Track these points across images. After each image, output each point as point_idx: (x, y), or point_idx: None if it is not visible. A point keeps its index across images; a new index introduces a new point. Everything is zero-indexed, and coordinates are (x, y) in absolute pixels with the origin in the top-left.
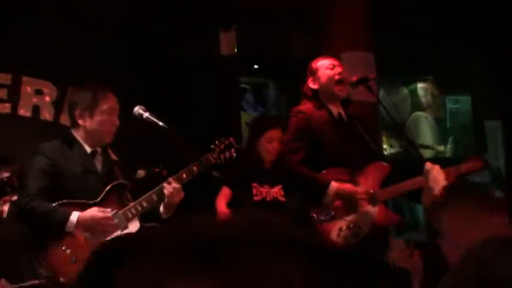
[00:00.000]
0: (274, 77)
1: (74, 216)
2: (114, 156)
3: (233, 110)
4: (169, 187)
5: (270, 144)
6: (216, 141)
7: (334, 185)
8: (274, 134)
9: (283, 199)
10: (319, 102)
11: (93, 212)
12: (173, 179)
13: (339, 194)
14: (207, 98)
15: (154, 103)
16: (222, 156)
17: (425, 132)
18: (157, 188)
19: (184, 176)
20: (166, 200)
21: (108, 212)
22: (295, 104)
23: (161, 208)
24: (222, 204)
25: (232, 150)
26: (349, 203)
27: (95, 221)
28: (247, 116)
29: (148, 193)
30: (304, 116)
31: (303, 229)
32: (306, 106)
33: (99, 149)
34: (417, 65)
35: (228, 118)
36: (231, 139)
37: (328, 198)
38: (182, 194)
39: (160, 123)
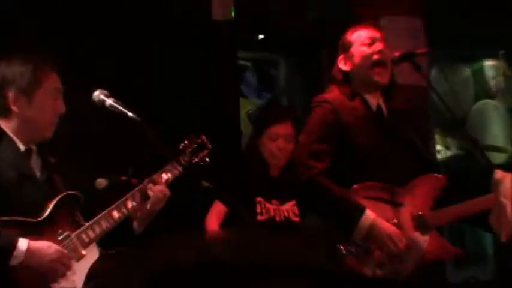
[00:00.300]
0: (285, 51)
1: (23, 243)
2: (51, 158)
3: (229, 96)
4: (157, 188)
5: (274, 142)
6: (185, 141)
7: (369, 215)
8: (280, 129)
9: (297, 219)
10: (352, 89)
11: (48, 248)
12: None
13: (372, 231)
14: (194, 79)
15: (123, 86)
16: (193, 160)
17: (495, 128)
18: (122, 199)
19: (165, 176)
20: (148, 205)
21: (65, 250)
22: (314, 88)
23: (135, 221)
24: (213, 223)
25: (205, 152)
26: (384, 244)
27: (49, 259)
28: (249, 105)
29: (110, 207)
30: (330, 107)
31: (323, 263)
32: (333, 94)
33: (34, 147)
34: (483, 35)
35: (222, 107)
36: (203, 137)
37: (360, 232)
38: (165, 201)
39: (130, 114)
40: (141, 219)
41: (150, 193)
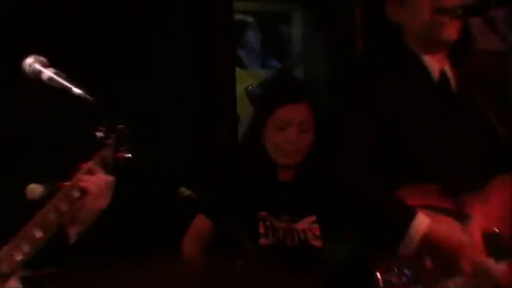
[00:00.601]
0: (301, 0)
1: None
2: None
3: (221, 65)
4: (93, 178)
5: (283, 132)
6: (100, 129)
7: (423, 220)
8: (292, 113)
9: (318, 243)
10: (405, 50)
11: None
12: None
13: (429, 241)
14: (170, 40)
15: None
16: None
17: None
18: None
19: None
20: (88, 202)
21: None
22: (342, 52)
23: (70, 226)
24: (191, 246)
25: (123, 147)
26: (447, 259)
27: None
28: (249, 78)
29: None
30: (370, 78)
31: None
32: (375, 59)
33: None
34: None
35: (210, 81)
36: (120, 127)
37: (410, 244)
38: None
39: (78, 91)
40: (78, 223)
41: (84, 184)
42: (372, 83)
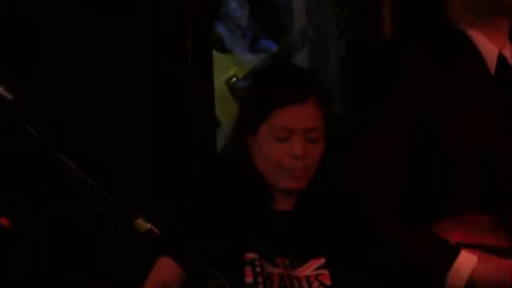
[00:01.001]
0: None
1: None
2: None
3: (193, 46)
4: None
5: (283, 144)
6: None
7: (467, 260)
8: (293, 117)
9: None
10: (450, 28)
11: None
12: None
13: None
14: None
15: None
16: None
17: None
18: None
19: None
20: None
21: None
22: (362, 27)
23: None
24: None
25: None
26: None
27: None
28: (232, 66)
29: None
30: (401, 68)
31: None
32: (409, 39)
33: None
34: None
35: (179, 70)
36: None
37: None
38: None
39: None
40: None
41: None
42: (404, 74)
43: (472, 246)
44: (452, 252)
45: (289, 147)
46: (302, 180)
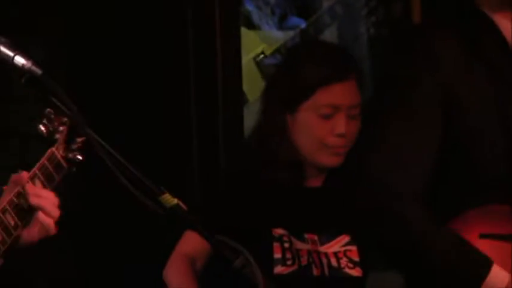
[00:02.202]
0: None
1: None
2: None
3: (221, 23)
4: (45, 194)
5: (327, 122)
6: (44, 120)
7: (498, 274)
8: (338, 95)
9: (356, 271)
10: (476, 11)
11: None
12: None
13: None
14: None
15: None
16: (70, 155)
17: None
18: None
19: (40, 175)
20: (34, 229)
21: None
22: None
23: None
24: (175, 274)
25: (78, 142)
26: None
27: None
28: (259, 42)
29: None
30: (428, 52)
31: None
32: (434, 24)
33: None
34: None
35: (206, 46)
36: (65, 118)
37: None
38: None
39: (21, 60)
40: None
41: (31, 199)
42: (432, 62)
43: (497, 237)
44: (485, 265)
45: (333, 124)
46: (342, 157)
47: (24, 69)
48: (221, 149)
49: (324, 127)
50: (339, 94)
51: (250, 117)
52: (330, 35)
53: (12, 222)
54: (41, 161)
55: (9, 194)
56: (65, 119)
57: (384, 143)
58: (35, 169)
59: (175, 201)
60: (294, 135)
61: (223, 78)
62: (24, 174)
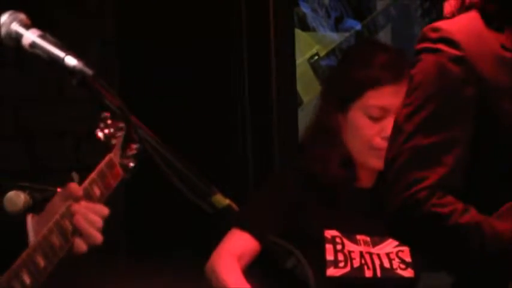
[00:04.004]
0: None
1: None
2: None
3: (276, 25)
4: (83, 210)
5: (376, 123)
6: (101, 124)
7: None
8: (390, 97)
9: (408, 273)
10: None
11: None
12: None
13: None
14: None
15: None
16: (125, 162)
17: None
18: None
19: (99, 181)
20: (75, 244)
21: None
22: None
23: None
24: (229, 268)
25: (133, 149)
26: None
27: None
28: (314, 43)
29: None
30: (455, 53)
31: None
32: (461, 22)
33: None
34: None
35: (261, 48)
36: (122, 123)
37: None
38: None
39: (71, 61)
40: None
41: (76, 218)
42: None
43: None
44: None
45: (381, 127)
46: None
47: (75, 70)
48: (276, 151)
49: (372, 128)
50: (388, 96)
51: (305, 119)
52: (384, 36)
53: (57, 243)
54: (99, 167)
55: (60, 202)
56: (122, 125)
57: (409, 144)
58: (93, 175)
59: (227, 201)
60: (345, 136)
61: (277, 80)
62: (78, 190)
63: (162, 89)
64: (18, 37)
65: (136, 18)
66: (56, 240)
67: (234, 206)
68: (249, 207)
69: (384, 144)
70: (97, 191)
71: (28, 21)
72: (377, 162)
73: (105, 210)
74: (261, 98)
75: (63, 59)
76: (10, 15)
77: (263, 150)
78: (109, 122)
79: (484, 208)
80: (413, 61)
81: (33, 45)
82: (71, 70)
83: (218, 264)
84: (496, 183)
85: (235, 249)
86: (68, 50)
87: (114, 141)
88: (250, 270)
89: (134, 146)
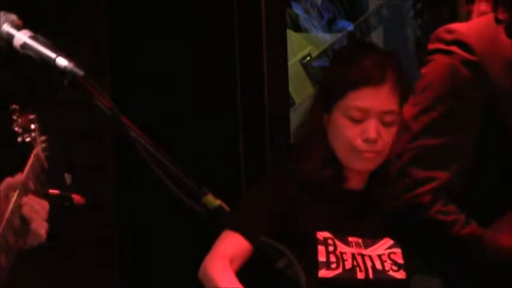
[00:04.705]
0: None
1: None
2: None
3: (268, 25)
4: (31, 202)
5: (357, 125)
6: (14, 123)
7: None
8: (369, 99)
9: (400, 275)
10: None
11: None
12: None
13: None
14: None
15: None
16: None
17: None
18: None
19: (29, 182)
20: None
21: None
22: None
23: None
24: (222, 271)
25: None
26: None
27: None
28: (306, 44)
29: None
30: (467, 56)
31: None
32: (474, 25)
33: None
34: None
35: (253, 49)
36: (31, 115)
37: None
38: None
39: (62, 61)
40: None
41: (27, 212)
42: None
43: None
44: None
45: (362, 129)
46: (373, 163)
47: (66, 71)
48: (268, 152)
49: (353, 130)
50: (368, 98)
51: (297, 120)
52: (376, 37)
53: (12, 242)
54: (29, 162)
55: (4, 199)
56: (31, 116)
57: (416, 144)
58: (26, 170)
59: (218, 202)
60: (330, 136)
61: (269, 81)
62: (19, 179)
63: (153, 89)
64: (9, 38)
65: (128, 18)
66: (11, 237)
67: (225, 206)
68: (241, 209)
69: (365, 146)
70: (32, 186)
71: (19, 22)
72: (360, 164)
73: (46, 205)
74: (253, 98)
75: (54, 60)
76: (1, 16)
77: (255, 151)
78: (20, 119)
79: (484, 214)
80: (424, 60)
81: (24, 46)
82: (62, 71)
83: (210, 267)
84: (499, 189)
85: (227, 252)
86: (59, 51)
87: (33, 135)
88: (241, 271)
89: (43, 137)
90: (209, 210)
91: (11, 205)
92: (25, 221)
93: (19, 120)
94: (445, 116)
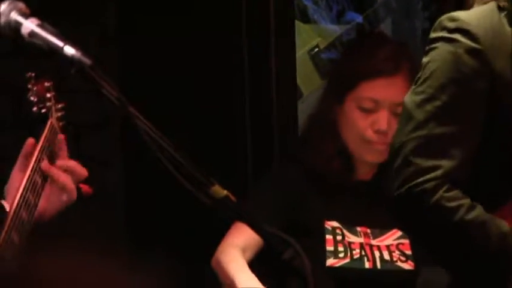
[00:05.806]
0: None
1: None
2: None
3: (276, 16)
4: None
5: (368, 116)
6: (30, 85)
7: None
8: (381, 90)
9: (409, 265)
10: None
11: None
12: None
13: None
14: None
15: None
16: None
17: None
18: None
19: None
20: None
21: None
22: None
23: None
24: (234, 261)
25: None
26: None
27: None
28: (314, 35)
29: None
30: (470, 45)
31: None
32: (478, 13)
33: None
34: None
35: (260, 39)
36: (47, 82)
37: None
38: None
39: (69, 50)
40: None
41: (53, 174)
42: (474, 53)
43: None
44: None
45: (374, 119)
46: (383, 154)
47: (74, 60)
48: (275, 144)
49: (364, 121)
50: (380, 89)
51: (305, 112)
52: (385, 28)
53: (25, 218)
54: (44, 134)
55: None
56: (47, 84)
57: (420, 134)
58: (41, 143)
59: (225, 192)
60: (341, 127)
61: (277, 72)
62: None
63: (161, 81)
64: (17, 26)
65: (137, 14)
66: (24, 213)
67: (231, 197)
68: (252, 199)
69: (376, 137)
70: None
71: (27, 10)
72: (370, 156)
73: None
74: (261, 90)
75: (62, 48)
76: (9, 4)
77: (263, 143)
78: (35, 88)
79: (489, 202)
80: (427, 49)
81: (32, 34)
82: (70, 59)
83: (223, 256)
84: (503, 177)
85: (239, 242)
86: (67, 40)
87: (48, 104)
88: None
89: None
90: (216, 200)
91: (32, 164)
92: (46, 179)
93: (34, 88)
94: (449, 105)
